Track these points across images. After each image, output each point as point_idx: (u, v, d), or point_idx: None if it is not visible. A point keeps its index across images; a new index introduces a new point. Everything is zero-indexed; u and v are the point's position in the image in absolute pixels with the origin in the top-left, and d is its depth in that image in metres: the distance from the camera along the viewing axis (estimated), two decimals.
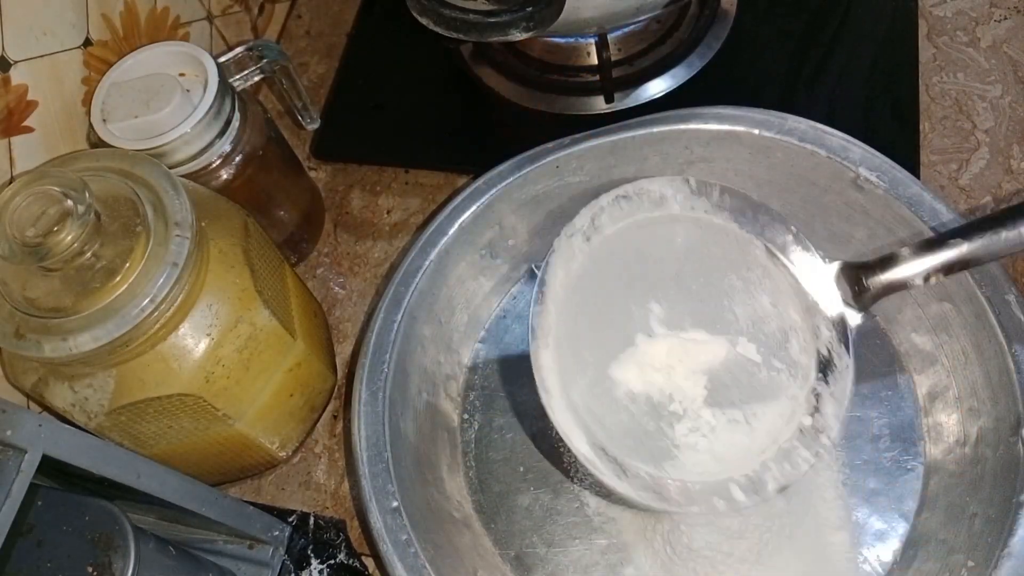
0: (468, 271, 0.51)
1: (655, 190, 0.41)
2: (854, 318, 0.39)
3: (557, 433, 0.45)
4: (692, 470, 0.38)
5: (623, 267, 0.41)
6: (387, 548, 0.41)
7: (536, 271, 0.54)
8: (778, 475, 0.38)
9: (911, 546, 0.44)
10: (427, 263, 0.48)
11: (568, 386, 0.39)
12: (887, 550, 0.45)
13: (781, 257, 0.41)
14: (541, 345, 0.39)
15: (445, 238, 0.49)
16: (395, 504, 0.42)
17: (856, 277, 0.39)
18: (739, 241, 0.41)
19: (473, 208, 0.49)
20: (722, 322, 0.41)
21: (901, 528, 0.45)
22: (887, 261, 0.39)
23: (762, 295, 0.41)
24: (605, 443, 0.38)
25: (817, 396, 0.39)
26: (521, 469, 0.49)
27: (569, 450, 0.46)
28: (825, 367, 0.39)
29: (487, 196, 0.49)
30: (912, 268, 0.38)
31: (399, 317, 0.47)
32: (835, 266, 0.40)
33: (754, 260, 0.41)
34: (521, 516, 0.48)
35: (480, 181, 0.50)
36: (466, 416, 0.51)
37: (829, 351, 0.39)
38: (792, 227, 0.41)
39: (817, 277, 0.40)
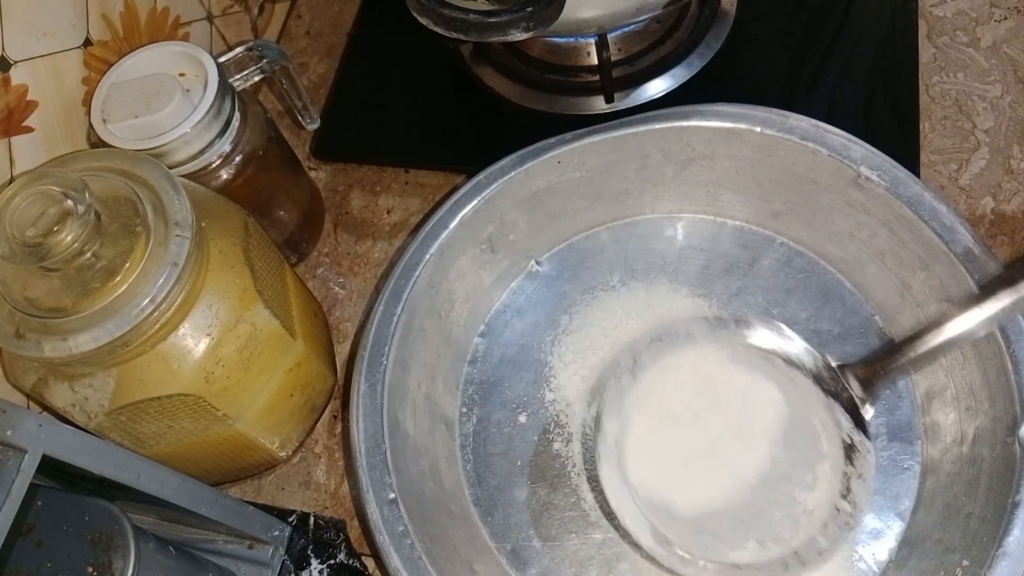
0: (469, 265, 0.51)
1: (682, 331, 0.45)
2: (867, 411, 0.42)
3: (553, 427, 0.50)
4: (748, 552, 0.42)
5: (669, 397, 0.45)
6: (384, 539, 0.41)
7: (538, 266, 0.54)
8: (823, 545, 0.41)
9: (907, 545, 0.44)
10: (428, 256, 0.48)
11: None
12: (883, 549, 0.45)
13: (797, 364, 0.44)
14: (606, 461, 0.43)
15: (446, 232, 0.49)
16: (392, 496, 0.42)
17: (861, 376, 0.43)
18: (762, 356, 0.44)
19: (474, 202, 0.49)
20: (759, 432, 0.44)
21: (897, 527, 0.45)
22: (885, 358, 0.42)
23: (792, 400, 0.44)
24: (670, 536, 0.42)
25: (847, 478, 0.42)
26: (519, 463, 0.49)
27: (566, 446, 0.50)
28: (850, 452, 0.42)
29: (488, 191, 0.50)
30: (907, 357, 0.41)
31: (399, 310, 0.47)
32: (840, 367, 0.43)
33: (778, 371, 0.44)
34: (518, 510, 0.48)
35: (481, 175, 0.50)
36: (464, 410, 0.51)
37: (851, 438, 0.42)
38: (803, 341, 0.44)
39: (828, 376, 0.43)
